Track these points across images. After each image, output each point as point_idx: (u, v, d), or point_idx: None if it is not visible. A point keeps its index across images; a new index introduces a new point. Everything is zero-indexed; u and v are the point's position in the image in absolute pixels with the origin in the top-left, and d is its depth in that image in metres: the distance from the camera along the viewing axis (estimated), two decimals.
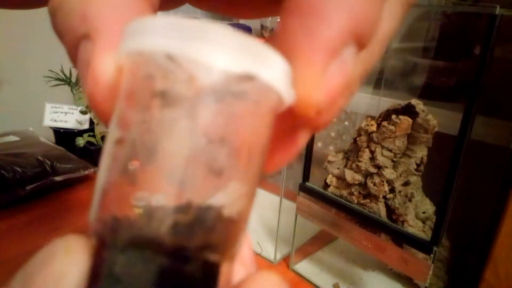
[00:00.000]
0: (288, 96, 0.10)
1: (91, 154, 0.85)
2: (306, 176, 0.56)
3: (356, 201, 0.53)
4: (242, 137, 0.11)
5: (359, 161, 0.52)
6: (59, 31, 0.12)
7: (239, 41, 0.09)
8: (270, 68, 0.10)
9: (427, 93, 0.65)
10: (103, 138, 0.87)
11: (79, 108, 0.88)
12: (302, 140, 0.13)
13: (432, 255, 0.43)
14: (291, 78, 0.11)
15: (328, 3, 0.10)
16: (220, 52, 0.09)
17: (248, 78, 0.10)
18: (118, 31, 0.11)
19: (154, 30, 0.10)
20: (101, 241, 0.11)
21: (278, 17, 0.12)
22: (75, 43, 0.12)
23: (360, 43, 0.11)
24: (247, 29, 0.85)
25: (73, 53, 0.12)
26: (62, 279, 0.10)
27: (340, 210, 0.53)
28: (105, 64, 0.11)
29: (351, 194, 0.54)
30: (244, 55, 0.09)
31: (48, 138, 0.89)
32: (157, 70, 0.10)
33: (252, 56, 0.10)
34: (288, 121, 0.11)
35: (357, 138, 0.54)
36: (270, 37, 0.15)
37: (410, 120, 0.49)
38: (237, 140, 0.10)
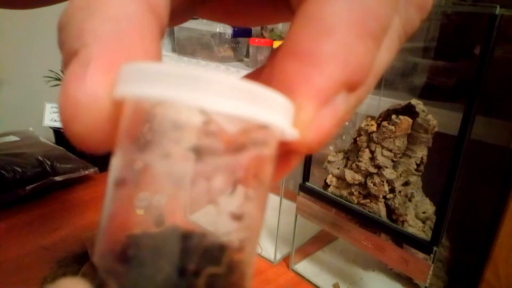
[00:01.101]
0: (291, 133, 0.11)
1: (91, 154, 0.84)
2: (306, 176, 0.56)
3: (356, 201, 0.53)
4: (260, 177, 0.12)
5: (359, 161, 0.52)
6: (60, 49, 0.11)
7: (253, 92, 0.10)
8: (280, 114, 0.11)
9: (427, 93, 0.65)
10: None
11: None
12: (294, 163, 0.14)
13: (432, 255, 0.43)
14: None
15: (325, 53, 0.10)
16: (243, 105, 0.10)
17: (265, 127, 0.11)
18: (114, 51, 0.10)
19: (176, 80, 0.10)
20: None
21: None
22: (68, 60, 0.11)
23: (353, 89, 0.11)
24: (247, 30, 0.85)
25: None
26: None
27: (340, 210, 0.53)
28: (85, 83, 0.10)
29: (351, 194, 0.54)
30: (260, 105, 0.10)
31: (48, 138, 0.89)
32: (187, 121, 0.10)
33: (266, 104, 0.10)
34: (282, 146, 0.12)
35: (357, 138, 0.54)
36: (265, 65, 0.15)
37: (410, 120, 0.49)
38: (256, 180, 0.11)
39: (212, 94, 0.10)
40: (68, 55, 0.11)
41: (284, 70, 0.11)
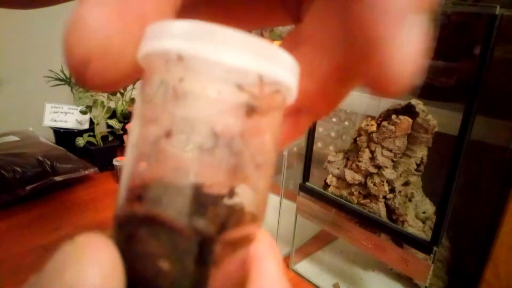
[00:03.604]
0: (295, 95, 0.12)
1: (91, 154, 0.85)
2: (306, 176, 0.56)
3: (356, 201, 0.53)
4: (276, 138, 0.12)
5: (359, 161, 0.52)
6: None
7: (273, 52, 0.11)
8: (292, 74, 0.11)
9: (427, 93, 0.65)
10: (103, 138, 0.87)
11: (79, 108, 0.88)
12: (305, 125, 0.14)
13: (432, 255, 0.43)
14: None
15: None
16: (283, 70, 0.11)
17: (283, 87, 0.11)
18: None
19: (223, 41, 0.10)
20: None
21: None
22: None
23: (428, 9, 0.11)
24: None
25: None
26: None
27: (340, 210, 0.53)
28: (95, 12, 0.10)
29: (351, 194, 0.54)
30: (279, 65, 0.11)
31: (48, 138, 0.89)
32: (248, 85, 0.11)
33: (283, 65, 0.11)
34: (291, 107, 0.13)
35: (357, 138, 0.54)
36: (289, 36, 0.16)
37: (410, 120, 0.49)
38: (275, 140, 0.12)
39: (262, 57, 0.10)
40: None
41: (360, 18, 0.11)
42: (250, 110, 0.11)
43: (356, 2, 0.11)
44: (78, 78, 0.11)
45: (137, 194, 0.11)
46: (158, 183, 0.11)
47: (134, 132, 0.12)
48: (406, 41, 0.11)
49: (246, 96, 0.11)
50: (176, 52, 0.10)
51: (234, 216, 0.11)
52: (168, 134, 0.11)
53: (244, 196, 0.12)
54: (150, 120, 0.11)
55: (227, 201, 0.11)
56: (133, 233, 0.11)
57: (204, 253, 0.11)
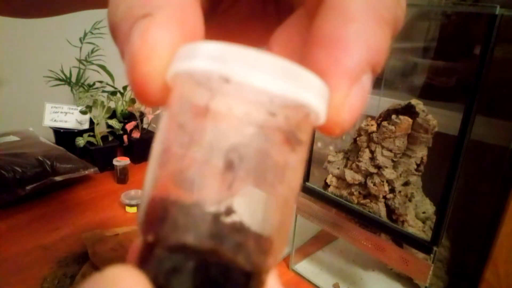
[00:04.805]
0: (323, 118, 0.12)
1: (91, 154, 0.85)
2: (306, 176, 0.56)
3: (356, 201, 0.53)
4: (303, 161, 0.12)
5: (359, 161, 0.52)
6: (117, 20, 0.12)
7: (311, 80, 0.11)
8: (323, 99, 0.11)
9: (427, 93, 0.65)
10: (103, 138, 0.87)
11: (79, 108, 0.88)
12: None
13: (432, 255, 0.43)
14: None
15: (351, 37, 0.12)
16: (311, 95, 0.11)
17: (315, 113, 0.11)
18: (179, 16, 0.12)
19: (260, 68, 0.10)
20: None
21: None
22: (130, 25, 0.12)
23: (375, 70, 0.13)
24: None
25: (126, 39, 0.12)
26: None
27: (340, 210, 0.53)
28: (162, 37, 0.11)
29: (351, 194, 0.54)
30: (315, 92, 0.11)
31: (48, 138, 0.89)
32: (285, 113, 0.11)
33: (314, 91, 0.11)
34: None
35: (357, 138, 0.54)
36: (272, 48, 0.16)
37: (410, 120, 0.49)
38: (296, 162, 0.12)
39: (298, 84, 0.10)
40: (132, 21, 0.12)
41: (315, 57, 0.12)
42: (285, 136, 0.11)
43: (316, 46, 0.12)
44: (142, 97, 0.12)
45: (174, 223, 0.10)
46: (197, 210, 0.10)
47: (160, 148, 0.12)
48: (351, 95, 0.12)
49: (280, 121, 0.11)
50: (218, 74, 0.10)
51: (272, 246, 0.12)
52: (209, 161, 0.11)
53: (272, 224, 0.12)
54: (178, 140, 0.11)
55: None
56: (179, 267, 0.10)
57: (258, 284, 0.11)
